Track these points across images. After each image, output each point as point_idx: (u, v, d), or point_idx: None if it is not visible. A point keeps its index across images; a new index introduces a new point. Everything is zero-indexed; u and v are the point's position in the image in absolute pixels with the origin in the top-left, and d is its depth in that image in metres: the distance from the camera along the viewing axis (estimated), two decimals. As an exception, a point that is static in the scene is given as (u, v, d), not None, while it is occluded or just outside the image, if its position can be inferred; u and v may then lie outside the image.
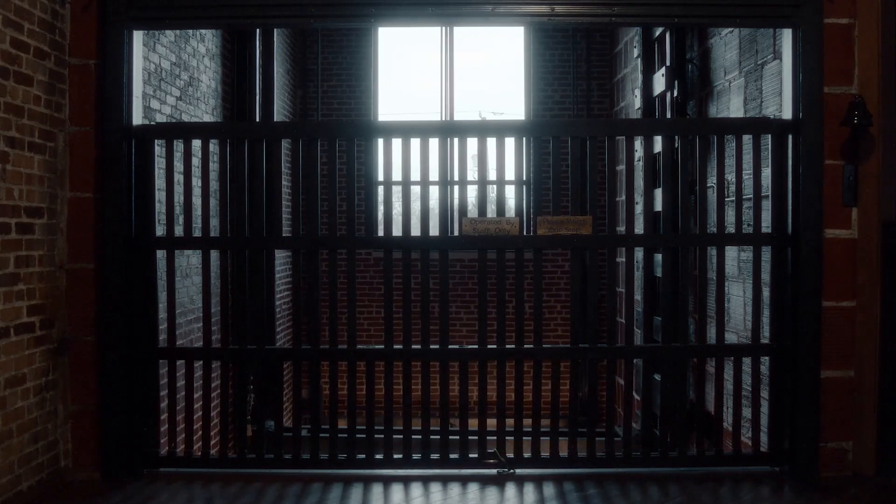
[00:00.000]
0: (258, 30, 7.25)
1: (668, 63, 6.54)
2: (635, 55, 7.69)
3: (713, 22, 4.88)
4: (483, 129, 4.24)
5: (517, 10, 4.01)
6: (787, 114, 4.03)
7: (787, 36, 4.01)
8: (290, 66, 9.59)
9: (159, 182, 4.20)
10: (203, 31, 6.48)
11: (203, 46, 6.55)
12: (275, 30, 7.74)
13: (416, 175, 4.23)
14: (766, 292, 4.27)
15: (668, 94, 6.53)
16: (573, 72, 9.79)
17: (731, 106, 5.48)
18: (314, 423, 4.27)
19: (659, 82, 6.88)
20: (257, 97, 7.41)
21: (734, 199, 4.19)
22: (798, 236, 3.99)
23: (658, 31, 7.01)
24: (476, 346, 4.27)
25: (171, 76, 5.84)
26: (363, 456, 4.21)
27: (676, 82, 6.37)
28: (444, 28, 9.90)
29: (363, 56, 10.20)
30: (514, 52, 10.52)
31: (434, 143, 4.20)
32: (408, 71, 12.59)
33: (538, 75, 10.07)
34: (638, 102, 7.43)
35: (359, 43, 10.18)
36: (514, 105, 10.46)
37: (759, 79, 4.97)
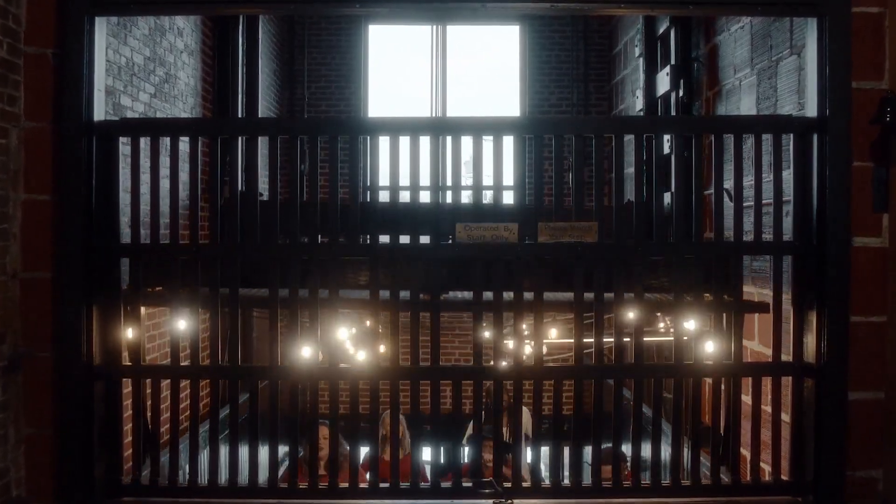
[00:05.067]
0: (241, 24, 6.90)
1: (672, 61, 6.24)
2: (636, 55, 7.39)
3: (731, 10, 4.55)
4: (479, 127, 3.89)
5: (516, -4, 3.68)
6: (811, 111, 3.71)
7: (811, 26, 3.69)
8: (277, 67, 9.27)
9: (125, 184, 3.87)
10: (181, 25, 6.13)
11: (181, 41, 6.20)
12: (260, 28, 7.40)
13: (405, 178, 3.89)
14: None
15: (673, 95, 6.24)
16: (571, 74, 9.54)
17: (742, 106, 5.18)
18: (293, 448, 3.93)
19: (663, 82, 6.58)
20: (241, 97, 7.05)
21: (751, 204, 3.87)
22: (823, 245, 3.65)
23: (662, 28, 6.72)
24: (471, 365, 3.92)
25: (145, 72, 5.48)
26: (346, 484, 3.86)
27: (682, 82, 6.07)
28: (435, 29, 9.60)
29: (353, 57, 9.91)
30: (508, 55, 10.25)
31: (425, 142, 3.86)
32: (398, 76, 12.35)
33: (534, 78, 9.82)
34: (640, 104, 7.13)
35: (349, 43, 9.89)
36: (509, 110, 10.20)
37: (774, 76, 4.67)
